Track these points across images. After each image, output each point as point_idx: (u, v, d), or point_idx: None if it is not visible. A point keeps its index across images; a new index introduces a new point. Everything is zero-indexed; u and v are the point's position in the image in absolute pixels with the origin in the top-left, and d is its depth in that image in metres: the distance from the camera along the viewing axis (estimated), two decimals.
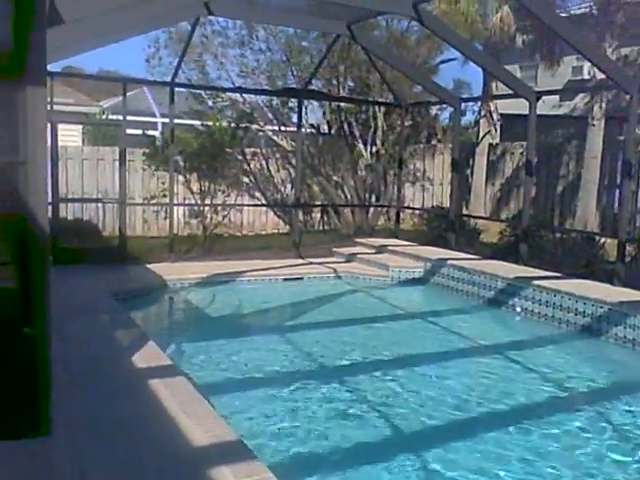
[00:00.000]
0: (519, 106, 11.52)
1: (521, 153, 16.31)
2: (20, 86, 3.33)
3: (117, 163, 10.60)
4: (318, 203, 14.95)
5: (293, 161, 13.71)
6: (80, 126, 19.32)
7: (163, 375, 4.67)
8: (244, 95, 14.25)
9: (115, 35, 8.02)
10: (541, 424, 5.01)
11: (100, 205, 12.94)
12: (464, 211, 16.20)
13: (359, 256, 10.89)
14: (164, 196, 11.69)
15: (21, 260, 3.41)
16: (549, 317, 7.79)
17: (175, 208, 10.80)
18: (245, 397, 5.42)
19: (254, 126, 14.44)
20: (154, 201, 12.53)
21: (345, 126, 14.57)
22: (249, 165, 14.58)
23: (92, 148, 14.69)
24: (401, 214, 13.19)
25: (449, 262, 9.60)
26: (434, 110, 15.65)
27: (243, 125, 13.82)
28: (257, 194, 14.80)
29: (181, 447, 3.56)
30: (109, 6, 5.50)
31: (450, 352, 7.06)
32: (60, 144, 9.81)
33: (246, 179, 14.49)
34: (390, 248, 11.06)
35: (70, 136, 16.42)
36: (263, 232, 14.82)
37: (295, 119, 13.51)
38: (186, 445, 3.58)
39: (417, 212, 15.41)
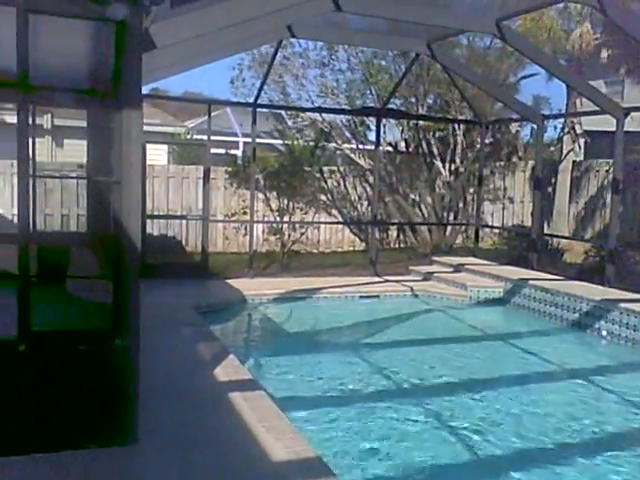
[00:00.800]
0: (604, 122, 11.15)
1: (606, 171, 15.72)
2: (116, 109, 3.54)
3: (201, 181, 10.97)
4: (395, 221, 14.89)
5: (370, 179, 13.74)
6: (166, 146, 20.04)
7: (243, 388, 4.77)
8: (323, 114, 14.44)
9: (202, 59, 8.35)
10: (628, 453, 4.80)
11: (184, 222, 13.37)
12: (546, 230, 15.73)
13: (436, 275, 10.76)
14: (244, 213, 11.98)
15: (114, 275, 3.59)
16: (637, 341, 7.46)
17: (255, 225, 11.04)
18: (320, 413, 5.44)
19: (332, 145, 14.59)
20: (235, 218, 12.84)
21: (423, 144, 14.50)
22: (326, 183, 14.72)
23: (177, 167, 15.21)
24: (480, 233, 12.96)
25: (530, 282, 9.35)
26: (514, 127, 15.33)
27: (321, 144, 13.98)
28: (334, 212, 14.91)
29: (260, 462, 3.63)
30: (199, 32, 5.76)
31: (531, 375, 6.88)
32: (147, 163, 10.24)
33: (323, 197, 14.62)
34: (468, 267, 10.88)
35: (157, 155, 17.07)
36: (340, 249, 14.89)
37: (372, 137, 13.56)
38: (265, 459, 3.64)
39: (497, 231, 15.10)
